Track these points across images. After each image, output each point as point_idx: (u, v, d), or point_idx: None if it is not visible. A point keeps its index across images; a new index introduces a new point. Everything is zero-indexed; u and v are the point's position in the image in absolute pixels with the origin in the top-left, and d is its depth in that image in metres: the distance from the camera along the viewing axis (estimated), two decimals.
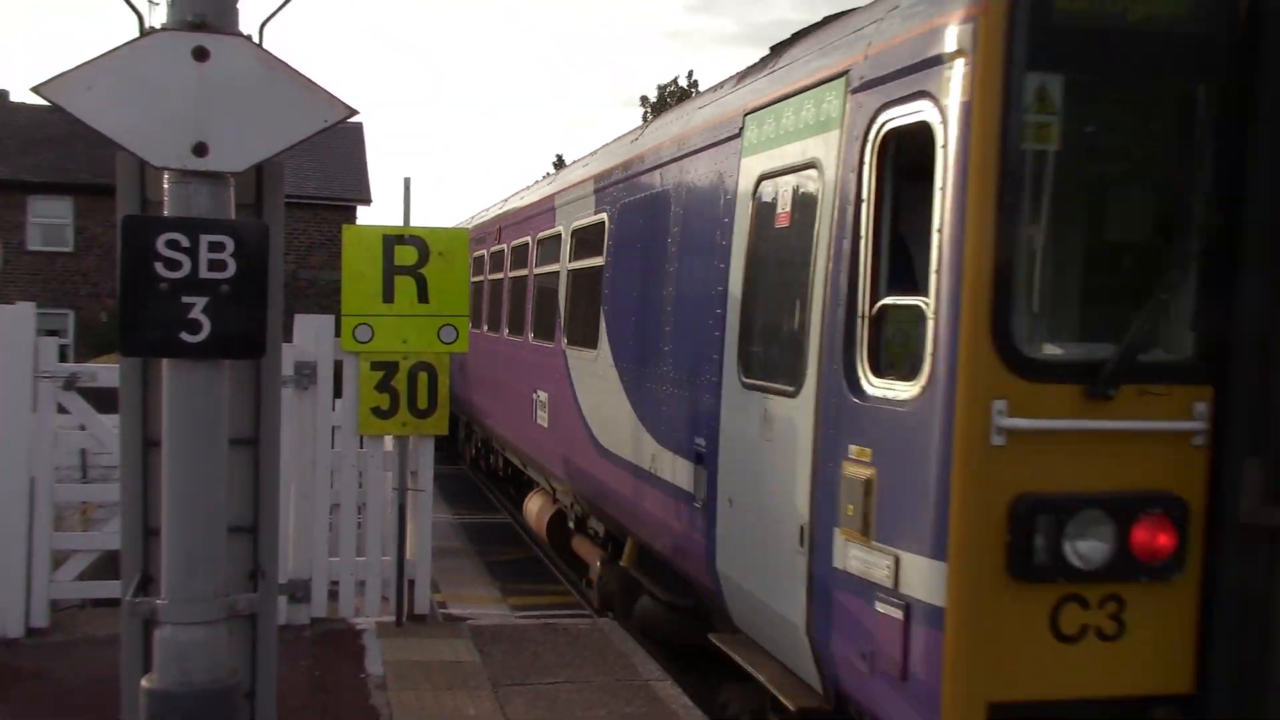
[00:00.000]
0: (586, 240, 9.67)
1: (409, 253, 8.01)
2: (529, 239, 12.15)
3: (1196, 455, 4.42)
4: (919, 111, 4.57)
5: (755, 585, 5.86)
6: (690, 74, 48.89)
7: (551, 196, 11.31)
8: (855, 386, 4.93)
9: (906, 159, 4.79)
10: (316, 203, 30.23)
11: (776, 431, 5.62)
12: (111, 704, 4.75)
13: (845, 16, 5.80)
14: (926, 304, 4.47)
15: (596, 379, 8.92)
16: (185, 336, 3.80)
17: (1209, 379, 4.42)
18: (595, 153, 10.55)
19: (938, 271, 4.39)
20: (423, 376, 8.15)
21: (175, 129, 3.78)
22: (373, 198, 31.74)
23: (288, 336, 7.52)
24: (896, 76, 4.75)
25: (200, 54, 3.81)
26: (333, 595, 8.38)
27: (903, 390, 4.62)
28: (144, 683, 3.95)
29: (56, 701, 6.54)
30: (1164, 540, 4.34)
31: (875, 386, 4.83)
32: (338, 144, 31.42)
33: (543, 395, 10.62)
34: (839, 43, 5.48)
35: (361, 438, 8.34)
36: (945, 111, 4.38)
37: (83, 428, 8.13)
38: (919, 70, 4.57)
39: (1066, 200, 4.49)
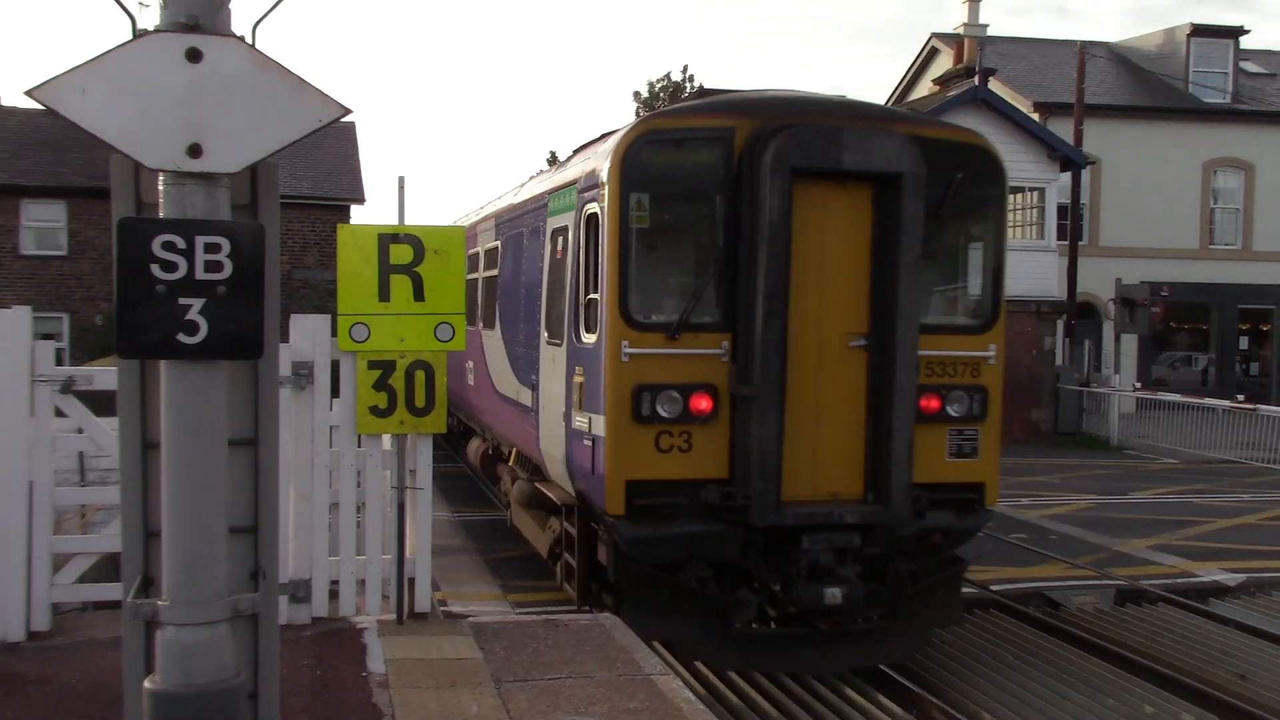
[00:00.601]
0: (491, 258, 13.89)
1: (404, 251, 8.01)
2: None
3: (724, 365, 8.39)
4: (594, 207, 8.73)
5: (551, 448, 9.92)
6: (685, 68, 48.71)
7: (475, 224, 15.50)
8: (579, 338, 9.05)
9: (593, 229, 8.82)
10: (310, 202, 30.15)
11: (556, 365, 9.71)
12: (115, 706, 4.76)
13: (591, 145, 10.11)
14: (598, 298, 8.53)
15: (495, 348, 12.90)
16: (183, 338, 3.80)
17: (729, 329, 8.38)
18: (500, 197, 15.30)
19: (601, 282, 8.49)
20: (420, 375, 8.16)
21: (169, 131, 3.78)
22: (367, 197, 31.69)
23: (284, 337, 7.51)
24: (589, 189, 8.91)
25: (193, 55, 3.81)
26: (333, 594, 8.39)
27: (592, 339, 8.73)
28: (147, 684, 3.95)
29: (59, 705, 6.55)
30: (706, 404, 8.36)
31: (585, 338, 8.91)
32: (331, 143, 31.36)
33: (470, 364, 14.48)
34: (578, 163, 9.84)
35: (360, 437, 8.35)
36: (602, 209, 8.51)
37: (81, 431, 8.13)
38: (594, 188, 8.77)
39: (654, 249, 8.65)
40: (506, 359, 12.11)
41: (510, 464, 12.66)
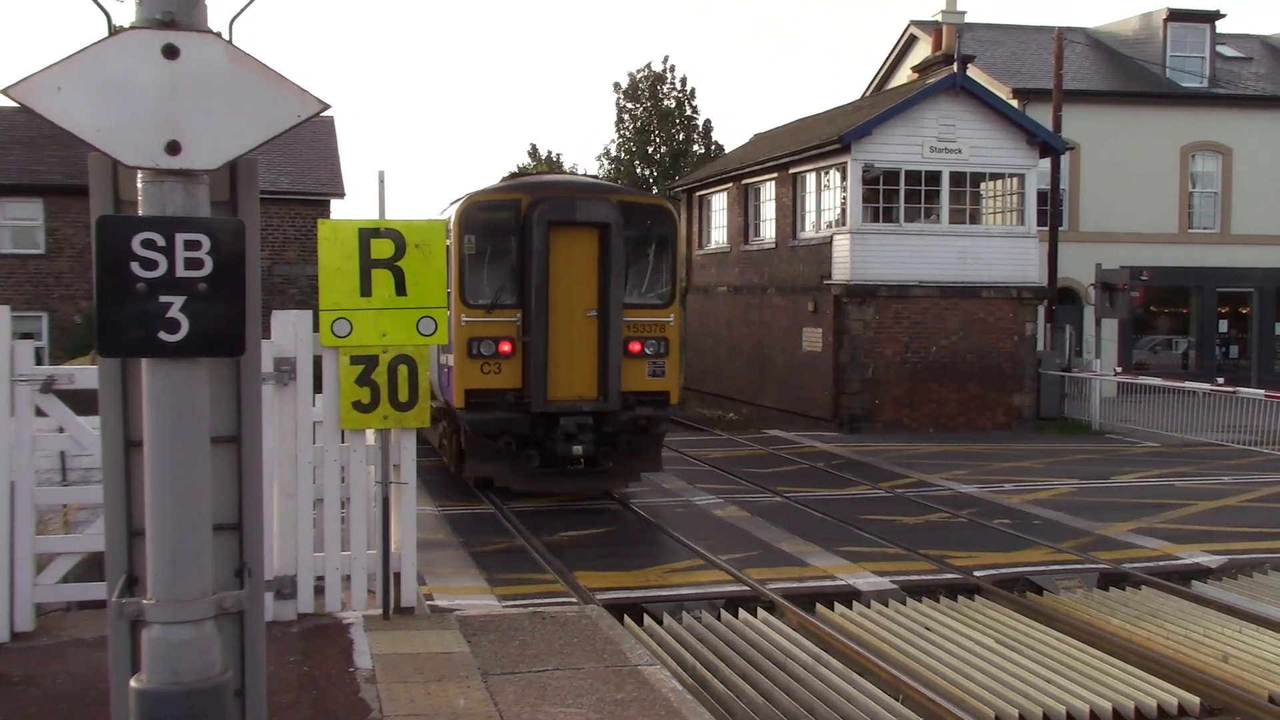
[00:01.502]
0: None
1: (385, 246, 8.00)
2: None
3: (517, 326, 14.38)
4: (449, 240, 11.74)
5: (435, 378, 15.08)
6: (666, 59, 48.68)
7: None
8: (453, 316, 13.88)
9: (449, 252, 11.97)
10: (290, 198, 30.01)
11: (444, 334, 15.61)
12: (101, 706, 4.74)
13: (455, 202, 15.82)
14: (452, 291, 13.62)
15: None
16: (164, 336, 3.78)
17: (520, 307, 14.33)
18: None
19: (452, 281, 13.76)
20: (403, 369, 8.15)
21: (147, 128, 3.76)
22: (347, 191, 31.54)
23: (266, 333, 7.48)
24: (447, 230, 12.08)
25: (170, 51, 3.78)
26: (318, 590, 8.38)
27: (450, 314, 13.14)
28: (133, 683, 3.94)
29: (45, 705, 6.53)
30: (508, 348, 14.29)
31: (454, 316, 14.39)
32: (310, 138, 31.23)
33: None
34: (447, 211, 16.61)
35: (343, 432, 8.34)
36: (452, 241, 13.70)
37: (62, 430, 8.09)
38: (449, 230, 13.21)
39: (479, 264, 14.46)
40: None
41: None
